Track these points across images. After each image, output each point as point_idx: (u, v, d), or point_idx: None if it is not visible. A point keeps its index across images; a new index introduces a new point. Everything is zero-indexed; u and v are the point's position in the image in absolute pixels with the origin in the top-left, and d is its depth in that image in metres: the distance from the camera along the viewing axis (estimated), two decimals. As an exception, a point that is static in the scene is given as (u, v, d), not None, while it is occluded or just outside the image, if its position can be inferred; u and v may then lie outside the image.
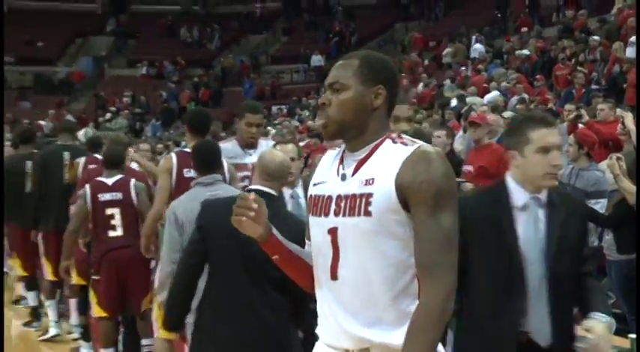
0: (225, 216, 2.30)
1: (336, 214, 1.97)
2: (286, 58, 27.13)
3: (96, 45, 29.69)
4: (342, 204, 1.96)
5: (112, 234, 5.02)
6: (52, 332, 6.34)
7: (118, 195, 5.05)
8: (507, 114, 8.86)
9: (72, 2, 31.85)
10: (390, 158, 1.94)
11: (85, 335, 5.96)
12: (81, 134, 13.48)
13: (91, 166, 5.91)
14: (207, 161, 3.95)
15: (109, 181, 5.08)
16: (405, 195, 1.89)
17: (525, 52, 14.95)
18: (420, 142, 1.97)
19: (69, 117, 22.70)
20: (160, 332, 4.37)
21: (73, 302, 6.23)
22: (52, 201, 6.18)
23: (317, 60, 24.88)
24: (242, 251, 3.06)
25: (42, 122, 19.87)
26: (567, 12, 17.09)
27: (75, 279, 5.83)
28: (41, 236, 6.27)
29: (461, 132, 8.86)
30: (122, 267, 4.88)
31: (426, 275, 1.88)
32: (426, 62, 19.01)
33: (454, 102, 12.09)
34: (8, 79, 27.19)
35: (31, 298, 6.85)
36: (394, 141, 1.98)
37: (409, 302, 1.93)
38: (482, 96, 11.96)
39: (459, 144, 8.12)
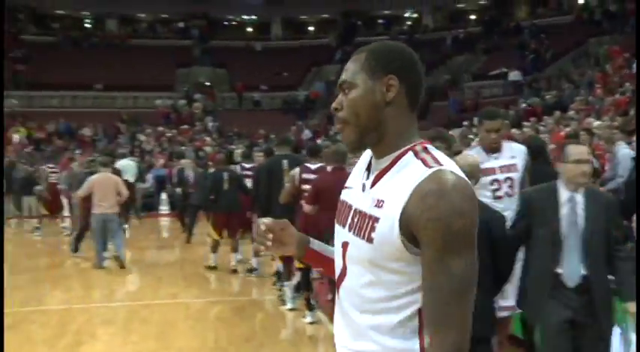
0: None
1: (350, 228, 1.53)
2: (486, 75, 26.23)
3: (327, 72, 30.80)
4: (356, 220, 1.51)
5: None
6: (289, 305, 6.69)
7: None
8: None
9: (309, 39, 33.44)
10: (405, 178, 1.42)
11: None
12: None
13: (305, 175, 6.05)
14: None
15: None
16: (412, 230, 1.39)
17: None
18: (442, 163, 1.42)
19: (307, 131, 23.86)
20: None
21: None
22: (276, 198, 6.42)
23: (514, 75, 23.80)
24: None
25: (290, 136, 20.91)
26: None
27: (297, 264, 6.17)
28: None
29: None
30: None
31: (431, 329, 1.39)
32: (621, 72, 17.38)
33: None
34: (262, 103, 29.17)
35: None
36: (417, 156, 1.45)
37: (402, 336, 1.44)
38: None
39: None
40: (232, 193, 8.50)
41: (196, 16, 33.30)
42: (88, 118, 24.80)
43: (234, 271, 8.79)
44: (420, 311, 1.43)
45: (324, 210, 5.46)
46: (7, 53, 29.33)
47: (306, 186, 5.97)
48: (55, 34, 31.96)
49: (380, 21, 34.89)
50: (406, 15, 34.92)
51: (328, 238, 5.40)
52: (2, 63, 19.13)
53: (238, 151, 12.33)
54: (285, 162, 6.64)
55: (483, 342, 3.28)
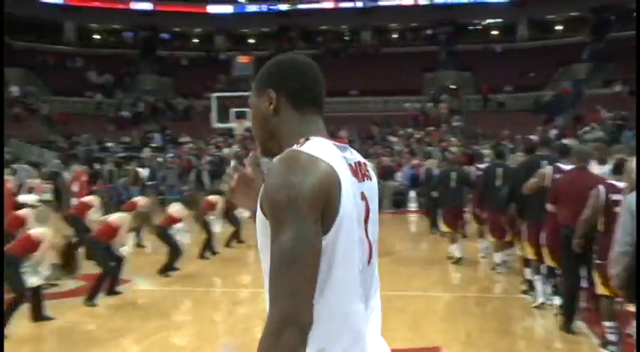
0: None
1: None
2: None
3: (575, 70, 28.62)
4: None
5: None
6: (539, 300, 6.46)
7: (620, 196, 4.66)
8: None
9: (556, 38, 31.39)
10: None
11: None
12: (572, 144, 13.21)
13: (556, 175, 5.92)
14: None
15: (619, 184, 4.81)
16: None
17: None
18: (301, 145, 1.39)
19: (553, 131, 22.36)
20: (600, 288, 4.79)
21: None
22: (531, 197, 6.25)
23: None
24: None
25: (531, 136, 19.89)
26: None
27: (549, 262, 6.04)
28: (526, 224, 6.47)
29: None
30: None
31: (269, 299, 1.30)
32: None
33: None
34: (506, 103, 27.99)
35: (529, 273, 6.88)
36: (290, 146, 1.42)
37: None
38: None
39: None
40: (458, 190, 9.25)
41: (443, 22, 33.27)
42: (345, 122, 26.30)
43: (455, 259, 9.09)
44: None
45: (564, 208, 5.52)
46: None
47: None
48: (318, 47, 34.49)
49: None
50: (670, 5, 30.76)
51: (566, 234, 5.33)
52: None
53: (487, 151, 12.12)
54: (544, 163, 6.46)
55: None
